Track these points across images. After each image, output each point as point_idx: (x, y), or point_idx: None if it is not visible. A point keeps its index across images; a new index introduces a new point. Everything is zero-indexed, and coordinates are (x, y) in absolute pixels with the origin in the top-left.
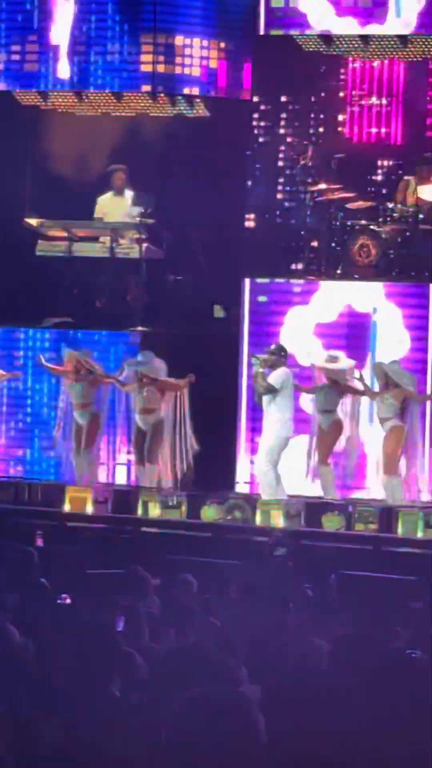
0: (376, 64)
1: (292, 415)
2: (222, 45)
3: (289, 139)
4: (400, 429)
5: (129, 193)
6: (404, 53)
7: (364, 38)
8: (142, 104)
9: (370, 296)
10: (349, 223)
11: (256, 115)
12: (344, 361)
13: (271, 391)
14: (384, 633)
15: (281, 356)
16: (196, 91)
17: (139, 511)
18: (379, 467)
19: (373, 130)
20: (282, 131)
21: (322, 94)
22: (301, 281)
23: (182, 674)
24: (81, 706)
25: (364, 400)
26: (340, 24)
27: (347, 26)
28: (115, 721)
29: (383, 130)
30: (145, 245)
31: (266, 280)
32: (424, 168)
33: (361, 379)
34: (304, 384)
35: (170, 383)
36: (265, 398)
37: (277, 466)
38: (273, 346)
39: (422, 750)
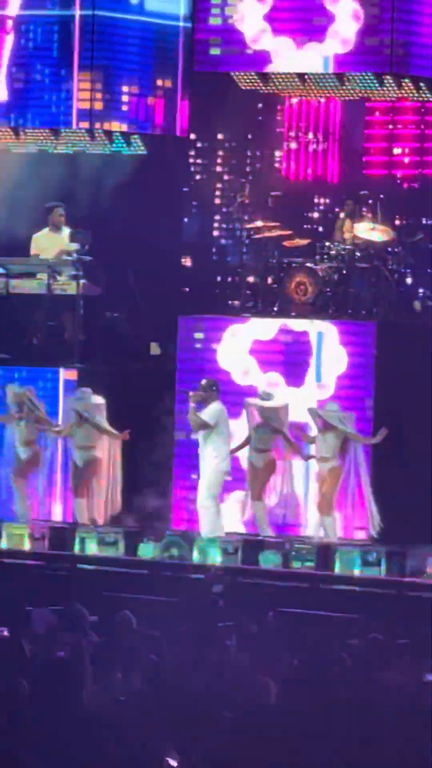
0: (312, 102)
1: (229, 450)
2: (159, 82)
3: (225, 177)
4: (338, 469)
5: (66, 230)
6: (341, 92)
7: (301, 76)
8: (80, 141)
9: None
10: (285, 260)
11: (192, 153)
12: (278, 399)
13: (205, 427)
14: (323, 670)
15: (213, 391)
16: (133, 128)
17: (76, 548)
18: (314, 505)
19: (310, 168)
20: (218, 168)
21: (259, 132)
22: (238, 318)
23: (127, 713)
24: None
25: None
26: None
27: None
28: (63, 756)
29: (320, 167)
30: (82, 282)
31: (201, 317)
32: (359, 206)
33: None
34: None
35: (108, 432)
36: (201, 434)
37: (216, 501)
38: (204, 382)
39: None
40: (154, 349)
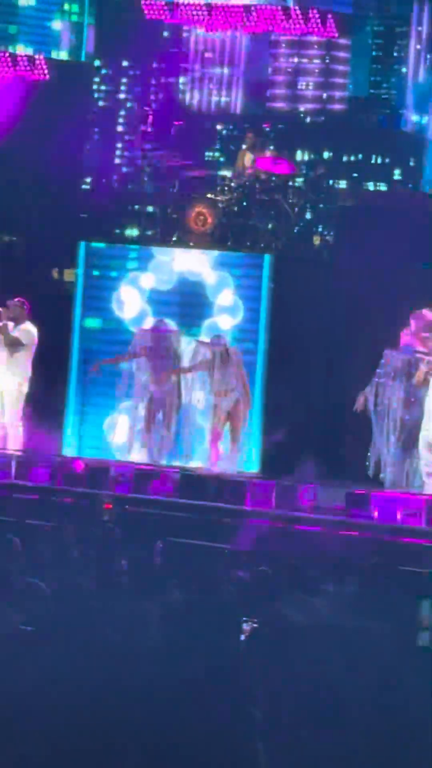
0: (218, 34)
1: (30, 371)
2: (66, 7)
3: (129, 104)
4: (242, 401)
5: None
6: (247, 24)
7: (209, 6)
8: None
9: (202, 264)
10: (185, 190)
11: (96, 79)
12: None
13: (16, 344)
14: (213, 601)
15: (23, 309)
16: (38, 52)
17: None
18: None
19: (214, 98)
20: (122, 96)
21: (164, 61)
22: (137, 247)
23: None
24: None
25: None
26: None
27: None
28: None
29: (223, 99)
30: None
31: (102, 245)
32: (260, 139)
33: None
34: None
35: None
36: (7, 352)
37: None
38: (17, 300)
39: (260, 715)
40: (54, 274)
